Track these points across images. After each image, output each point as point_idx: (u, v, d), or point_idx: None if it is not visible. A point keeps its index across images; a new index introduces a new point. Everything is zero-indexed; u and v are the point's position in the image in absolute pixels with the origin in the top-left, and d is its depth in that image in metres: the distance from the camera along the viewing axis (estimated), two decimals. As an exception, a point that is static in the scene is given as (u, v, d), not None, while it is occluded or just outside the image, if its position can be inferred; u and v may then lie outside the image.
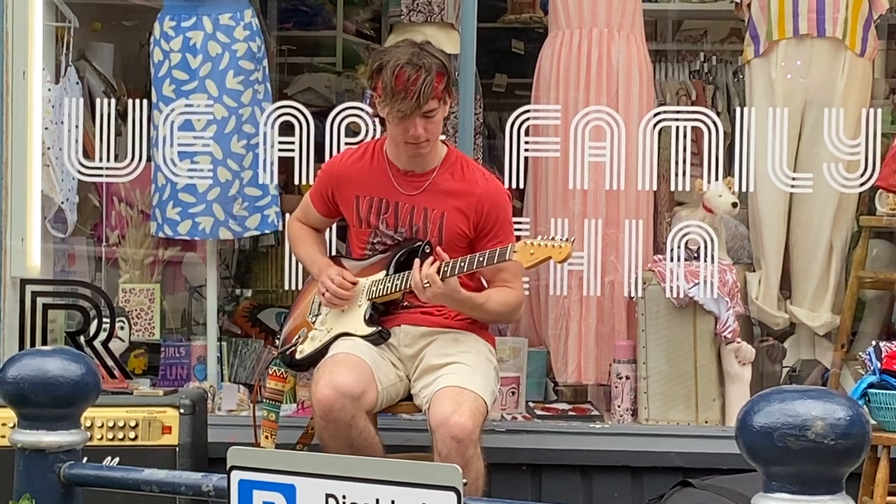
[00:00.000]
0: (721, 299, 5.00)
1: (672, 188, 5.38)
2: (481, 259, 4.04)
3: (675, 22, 6.82)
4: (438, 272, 4.04)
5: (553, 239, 4.00)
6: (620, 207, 5.17)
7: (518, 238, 4.31)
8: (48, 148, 5.18)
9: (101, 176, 5.29)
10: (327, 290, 4.29)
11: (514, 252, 3.99)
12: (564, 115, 5.18)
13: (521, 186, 5.25)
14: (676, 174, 5.21)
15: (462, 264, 4.06)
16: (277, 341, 4.56)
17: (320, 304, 4.39)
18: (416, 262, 4.10)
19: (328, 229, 4.73)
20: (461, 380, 4.04)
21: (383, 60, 4.14)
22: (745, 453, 2.07)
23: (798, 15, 5.19)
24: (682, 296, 5.01)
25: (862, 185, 5.11)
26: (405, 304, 4.32)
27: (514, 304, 4.30)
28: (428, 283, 4.04)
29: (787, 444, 2.01)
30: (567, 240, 3.98)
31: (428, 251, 4.23)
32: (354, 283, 4.30)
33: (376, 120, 4.56)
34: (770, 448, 2.03)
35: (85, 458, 2.80)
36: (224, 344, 5.50)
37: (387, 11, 6.12)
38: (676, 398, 5.06)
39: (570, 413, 5.20)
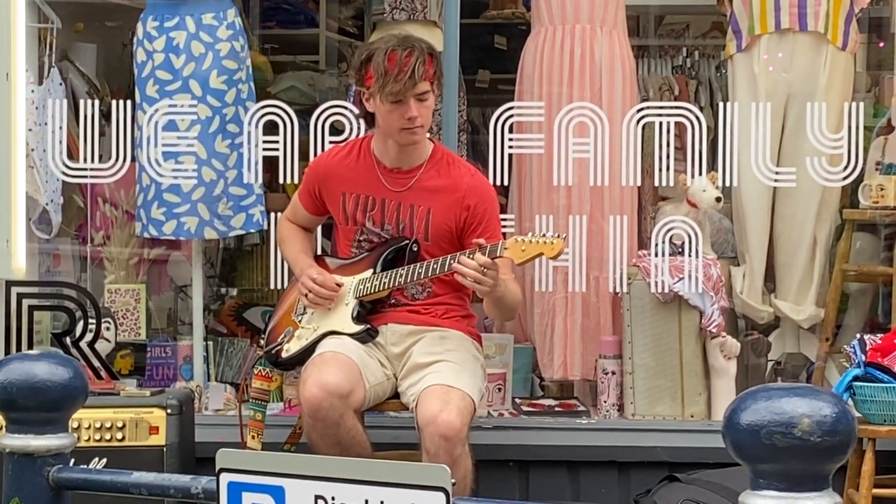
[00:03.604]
0: (706, 294, 5.01)
1: (656, 183, 5.40)
2: (471, 256, 4.04)
3: (657, 17, 6.84)
4: (485, 254, 3.98)
5: (545, 235, 4.00)
6: (605, 203, 5.19)
7: (504, 235, 4.32)
8: (32, 149, 5.17)
9: (85, 177, 5.28)
10: (309, 291, 4.29)
11: (506, 249, 3.99)
12: (548, 112, 5.18)
13: (506, 183, 5.25)
14: (660, 169, 5.23)
15: (452, 261, 4.06)
16: (262, 340, 4.55)
17: (306, 303, 4.39)
18: (466, 260, 3.99)
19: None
20: (448, 378, 4.04)
21: (371, 49, 4.16)
22: (733, 451, 2.08)
23: (780, 9, 5.20)
24: (666, 291, 5.02)
25: (845, 178, 5.13)
26: (392, 301, 4.33)
27: (520, 295, 4.33)
28: (485, 269, 3.96)
29: (774, 441, 2.02)
30: (559, 236, 3.98)
31: (415, 249, 4.24)
32: (340, 286, 4.30)
33: (363, 121, 4.55)
34: (757, 446, 2.03)
35: (72, 460, 2.80)
36: (210, 343, 5.50)
37: (370, 9, 6.12)
38: (662, 393, 5.07)
39: (556, 409, 5.21)
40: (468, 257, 3.99)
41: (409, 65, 4.07)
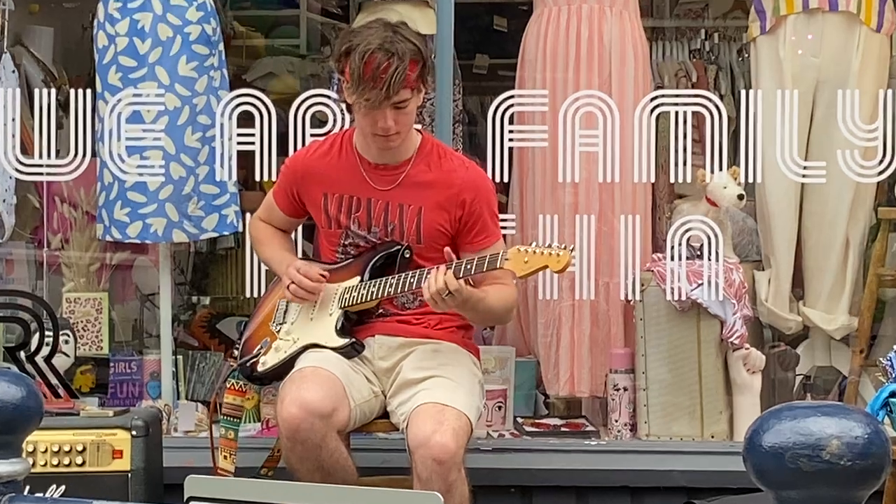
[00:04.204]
0: (727, 301, 5.02)
1: (672, 180, 5.41)
2: (468, 266, 4.04)
3: (673, -5, 6.85)
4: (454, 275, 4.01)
5: (550, 246, 4.00)
6: (615, 201, 5.20)
7: (504, 237, 4.32)
8: (-19, 144, 5.19)
9: (41, 174, 5.30)
10: (292, 282, 4.28)
11: (507, 259, 3.99)
12: (552, 101, 5.20)
13: (506, 180, 5.26)
14: (676, 164, 5.24)
15: (447, 271, 4.06)
16: (236, 351, 4.55)
17: (286, 312, 4.40)
18: (435, 277, 4.03)
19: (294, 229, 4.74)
20: (442, 395, 4.05)
21: (352, 43, 4.14)
22: (754, 476, 2.08)
23: (808, -13, 5.22)
24: (684, 298, 5.03)
25: (880, 173, 5.15)
26: (380, 311, 4.33)
27: (512, 303, 4.35)
28: (448, 291, 4.01)
29: (800, 465, 2.02)
30: (566, 248, 3.98)
31: (408, 256, 4.24)
32: (324, 276, 4.29)
33: (344, 106, 4.56)
34: (781, 470, 2.03)
35: (27, 488, 2.80)
36: (180, 358, 5.51)
37: (355, -12, 6.13)
38: (679, 411, 5.08)
39: (562, 429, 5.22)
40: (445, 272, 4.01)
41: (387, 75, 4.05)
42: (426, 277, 4.08)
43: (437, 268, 4.05)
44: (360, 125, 4.23)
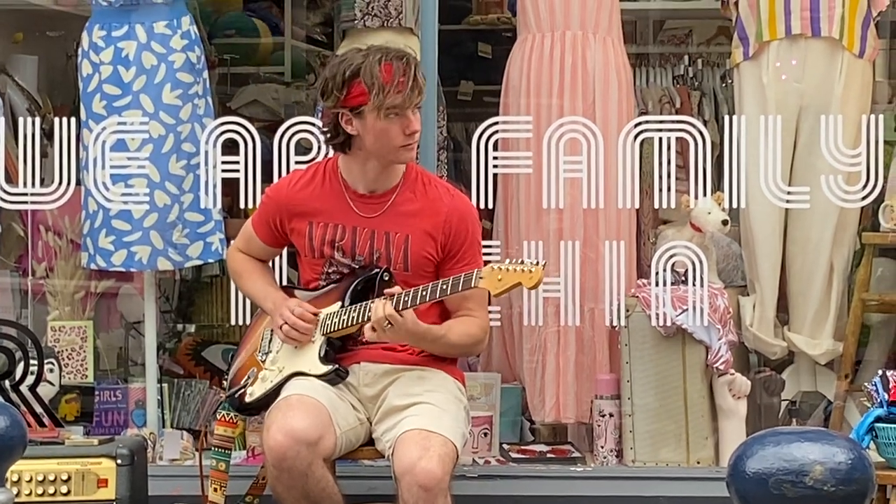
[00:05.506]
0: (712, 327, 5.02)
1: (656, 205, 5.42)
2: (444, 287, 4.04)
3: (657, 22, 6.87)
4: (396, 306, 4.03)
5: (522, 262, 3.99)
6: (600, 227, 5.21)
7: (486, 262, 4.32)
8: (-34, 173, 5.18)
9: (25, 203, 5.29)
10: (285, 323, 4.27)
11: (481, 278, 3.99)
12: (536, 127, 5.21)
13: (491, 206, 5.26)
14: (661, 190, 5.25)
15: (424, 293, 4.06)
16: (225, 382, 4.54)
17: (270, 341, 4.38)
18: (377, 303, 4.09)
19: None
20: (428, 422, 4.04)
21: (354, 65, 4.11)
22: (738, 502, 2.09)
23: (790, 13, 5.23)
24: (669, 324, 5.03)
25: (864, 198, 5.15)
26: (364, 338, 4.32)
27: (478, 335, 4.31)
28: (389, 323, 4.03)
29: (784, 491, 2.02)
30: (538, 263, 3.98)
31: (387, 279, 4.22)
32: (316, 315, 4.29)
33: (326, 137, 4.49)
34: (765, 496, 2.04)
35: (12, 518, 2.80)
36: (165, 386, 5.49)
37: (339, 16, 6.13)
38: (665, 437, 5.08)
39: (548, 455, 5.22)
40: (385, 302, 4.04)
41: (409, 74, 4.09)
42: (406, 299, 4.07)
43: (381, 298, 4.07)
44: (379, 144, 4.15)
